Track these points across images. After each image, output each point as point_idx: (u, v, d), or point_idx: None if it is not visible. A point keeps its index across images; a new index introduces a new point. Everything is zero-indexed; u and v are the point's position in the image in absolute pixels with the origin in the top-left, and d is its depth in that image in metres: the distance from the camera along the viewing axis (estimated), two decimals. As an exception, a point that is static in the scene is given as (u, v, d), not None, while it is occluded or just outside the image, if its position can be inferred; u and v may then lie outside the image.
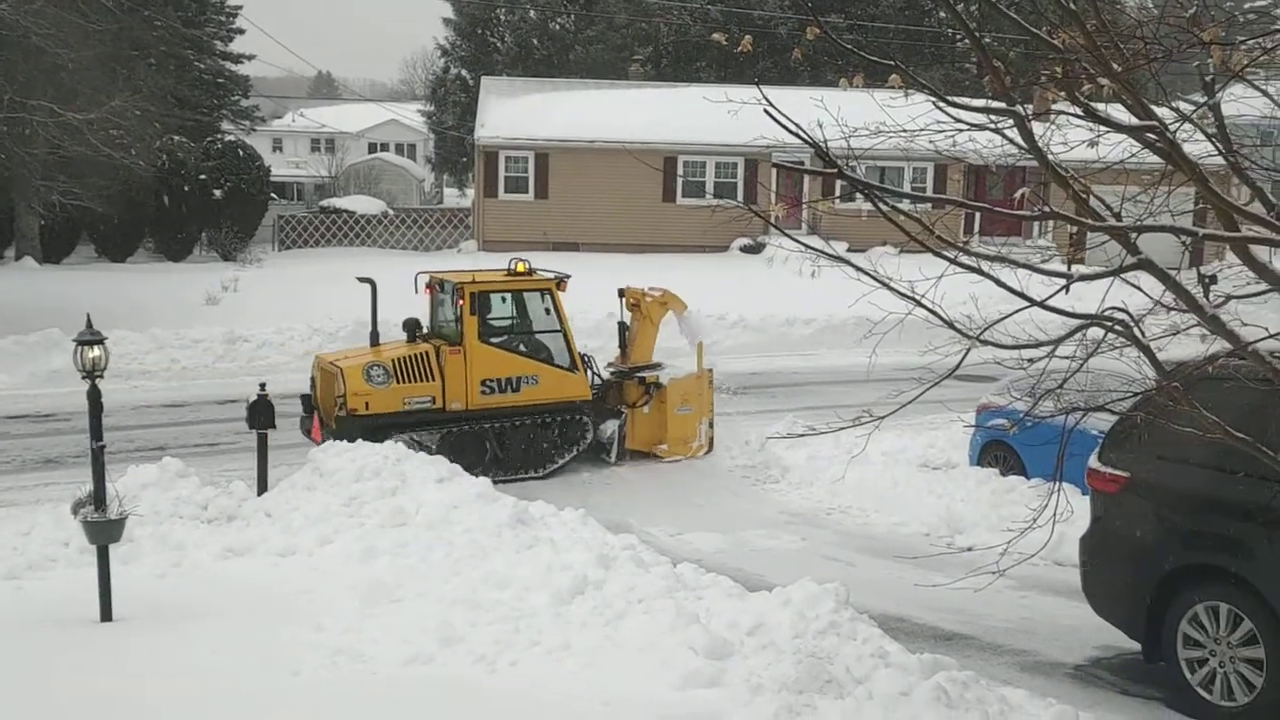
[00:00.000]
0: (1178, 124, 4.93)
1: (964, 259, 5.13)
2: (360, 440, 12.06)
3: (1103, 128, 4.74)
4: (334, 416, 13.41)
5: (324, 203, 43.15)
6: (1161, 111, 4.83)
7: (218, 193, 34.55)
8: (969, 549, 9.41)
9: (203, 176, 34.28)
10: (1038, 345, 5.48)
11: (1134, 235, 4.83)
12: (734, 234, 32.24)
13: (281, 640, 7.78)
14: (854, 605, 7.93)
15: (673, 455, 14.69)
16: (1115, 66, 4.42)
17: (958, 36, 43.27)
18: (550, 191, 35.10)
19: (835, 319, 24.07)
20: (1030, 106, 4.84)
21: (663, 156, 34.36)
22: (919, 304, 5.34)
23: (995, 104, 4.76)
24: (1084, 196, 4.83)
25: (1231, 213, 4.49)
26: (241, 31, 46.04)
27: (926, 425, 15.73)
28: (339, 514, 10.28)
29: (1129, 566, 8.10)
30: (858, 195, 4.93)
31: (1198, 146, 5.11)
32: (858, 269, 5.26)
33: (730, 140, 31.25)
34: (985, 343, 5.15)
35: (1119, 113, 4.72)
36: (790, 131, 4.68)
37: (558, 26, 52.66)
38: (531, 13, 52.84)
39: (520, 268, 14.25)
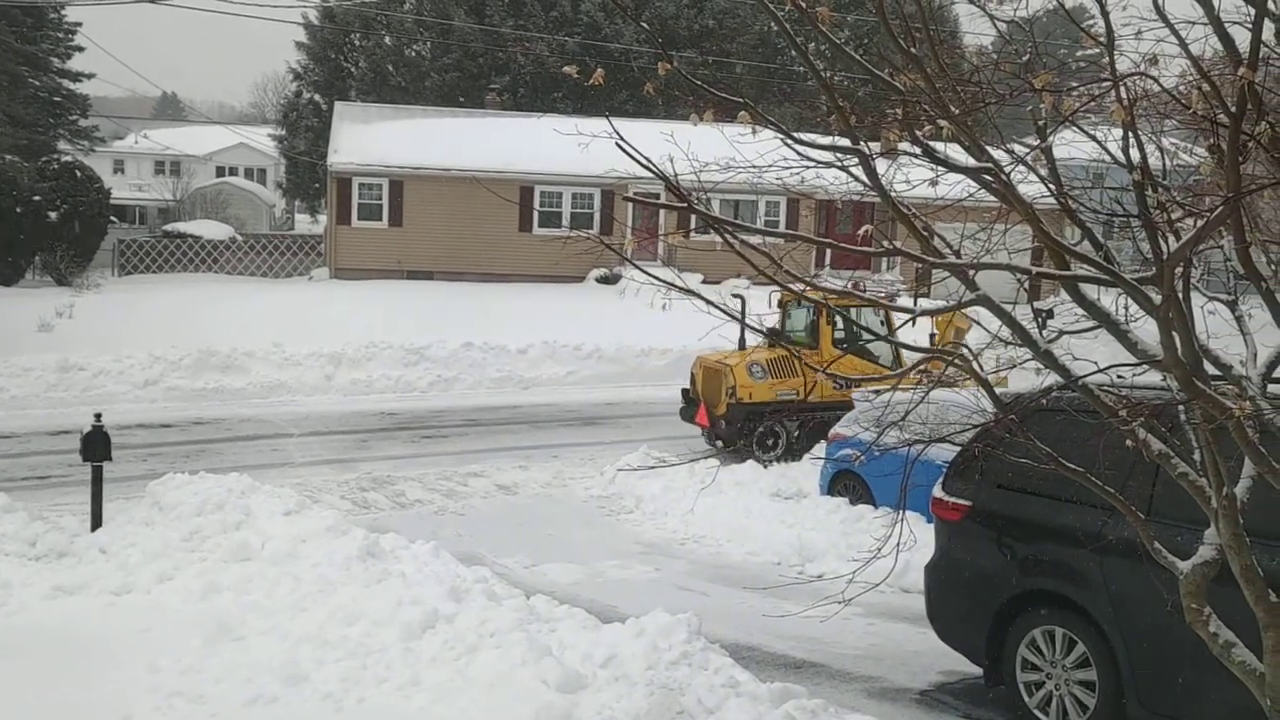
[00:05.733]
0: (1013, 166, 5.10)
1: (811, 293, 5.22)
2: (743, 423, 16.35)
3: (942, 168, 4.89)
4: (723, 404, 16.72)
5: (168, 227, 41.70)
6: (997, 153, 5.00)
7: (53, 215, 32.96)
8: (819, 577, 9.56)
9: (37, 198, 32.64)
10: (883, 378, 5.61)
11: (973, 272, 4.97)
12: (590, 264, 32.31)
13: (113, 682, 7.42)
14: (706, 635, 7.98)
15: None
16: (954, 109, 4.56)
17: (808, 77, 44.36)
18: (405, 219, 34.63)
19: (689, 350, 24.24)
20: (876, 145, 4.95)
21: (519, 186, 34.27)
22: (766, 336, 5.42)
23: (841, 142, 4.86)
24: (926, 234, 4.96)
25: (1062, 252, 4.66)
26: (81, 49, 44.41)
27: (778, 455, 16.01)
28: (179, 549, 9.88)
29: (971, 593, 8.35)
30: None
31: (1032, 188, 5.31)
32: (707, 301, 5.31)
33: (587, 171, 31.44)
34: (833, 375, 5.24)
35: (958, 153, 4.88)
36: (641, 164, 4.70)
37: (413, 53, 52.17)
38: (387, 39, 52.25)
39: (856, 286, 16.75)
